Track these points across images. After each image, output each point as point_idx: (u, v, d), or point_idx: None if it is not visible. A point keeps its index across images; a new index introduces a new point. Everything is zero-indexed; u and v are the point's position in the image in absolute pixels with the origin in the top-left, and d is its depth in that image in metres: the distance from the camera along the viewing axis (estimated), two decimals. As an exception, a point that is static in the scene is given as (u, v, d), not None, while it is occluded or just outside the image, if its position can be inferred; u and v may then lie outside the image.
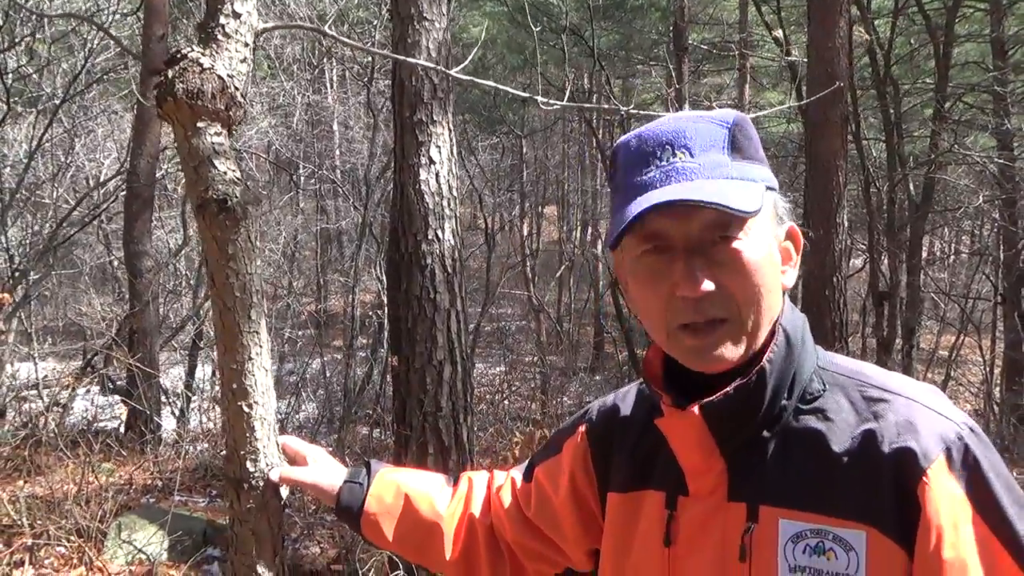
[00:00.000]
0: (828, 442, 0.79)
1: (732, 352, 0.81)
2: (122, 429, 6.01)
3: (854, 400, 0.81)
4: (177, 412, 7.99)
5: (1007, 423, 7.75)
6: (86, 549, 3.43)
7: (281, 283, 12.15)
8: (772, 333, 0.82)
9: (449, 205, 3.53)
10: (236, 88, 1.40)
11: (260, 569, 1.47)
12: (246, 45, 1.46)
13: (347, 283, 12.48)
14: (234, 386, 1.41)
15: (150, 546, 3.57)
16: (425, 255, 3.44)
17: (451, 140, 3.57)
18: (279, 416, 6.61)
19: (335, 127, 16.20)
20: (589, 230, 17.13)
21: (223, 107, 1.37)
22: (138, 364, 5.33)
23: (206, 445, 5.91)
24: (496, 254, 12.81)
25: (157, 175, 8.48)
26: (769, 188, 0.83)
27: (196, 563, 3.57)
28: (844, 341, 5.57)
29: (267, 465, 1.45)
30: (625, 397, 1.03)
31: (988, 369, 9.37)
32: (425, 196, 3.45)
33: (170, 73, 1.35)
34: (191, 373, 9.78)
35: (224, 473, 1.48)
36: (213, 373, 10.35)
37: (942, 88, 7.92)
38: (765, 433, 0.82)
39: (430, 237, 3.45)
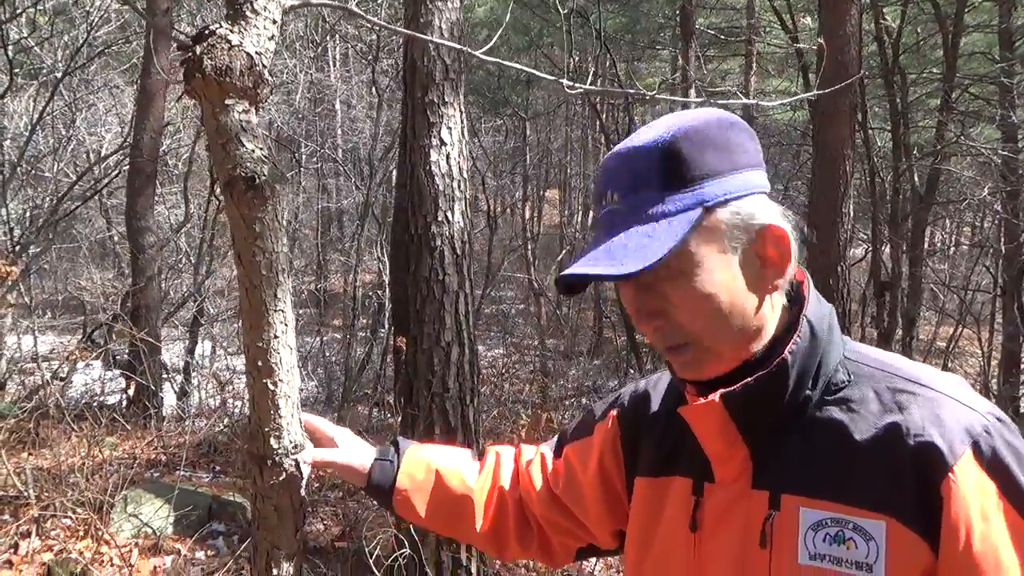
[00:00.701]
0: (851, 432, 0.79)
1: (712, 367, 0.85)
2: (124, 404, 6.03)
3: (880, 391, 0.81)
4: (177, 388, 8.01)
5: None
6: (93, 521, 3.45)
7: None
8: (795, 324, 0.84)
9: (459, 187, 3.52)
10: (264, 66, 1.39)
11: (282, 546, 1.49)
12: (274, 23, 1.45)
13: (347, 263, 12.47)
14: (259, 364, 1.42)
15: (156, 520, 3.60)
16: (435, 236, 3.44)
17: (462, 122, 3.55)
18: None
19: (337, 106, 16.11)
20: (590, 214, 17.09)
21: (251, 84, 1.36)
22: (143, 339, 5.34)
23: (207, 421, 5.93)
24: (497, 236, 12.79)
25: (160, 151, 8.43)
26: (718, 202, 0.81)
27: (201, 538, 3.60)
28: (848, 331, 5.58)
29: (290, 442, 1.46)
30: (656, 384, 1.05)
31: (985, 361, 9.41)
32: (435, 178, 3.44)
33: (198, 50, 1.34)
34: (191, 350, 9.79)
35: (247, 450, 1.49)
36: (213, 350, 10.37)
37: (949, 78, 7.88)
38: (789, 422, 0.83)
39: (440, 219, 3.45)
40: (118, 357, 7.69)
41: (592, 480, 1.05)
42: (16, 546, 3.31)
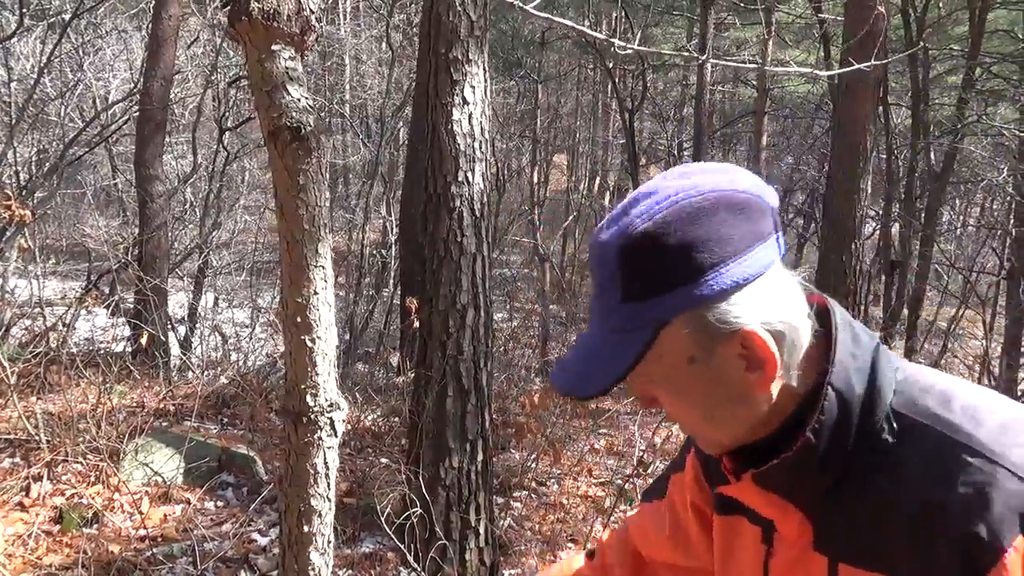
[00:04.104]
0: (896, 505, 0.74)
1: (717, 447, 0.84)
2: (131, 353, 6.01)
3: (927, 457, 0.74)
4: (180, 339, 8.00)
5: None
6: (104, 468, 3.46)
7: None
8: (817, 395, 0.77)
9: (480, 148, 3.46)
10: (311, 11, 1.34)
11: (314, 503, 1.47)
12: (323, -34, 1.38)
13: (352, 220, 12.40)
14: (298, 320, 1.39)
15: (166, 469, 3.61)
16: (454, 197, 3.39)
17: (485, 81, 3.48)
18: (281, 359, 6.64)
19: (347, 61, 15.84)
20: (598, 181, 16.95)
21: (298, 31, 1.31)
22: (150, 288, 5.31)
23: (211, 373, 5.93)
24: (504, 200, 12.67)
25: (169, 98, 8.30)
26: (681, 315, 0.75)
27: (211, 488, 3.61)
28: (859, 308, 5.56)
29: (326, 400, 1.44)
30: None
31: (987, 342, 9.41)
32: (457, 137, 3.38)
33: (245, -8, 1.29)
34: (196, 301, 9.78)
35: (282, 406, 1.47)
36: (216, 303, 10.35)
37: (974, 55, 7.73)
38: (840, 483, 0.78)
39: (460, 179, 3.40)
40: (123, 306, 7.66)
41: (692, 516, 1.02)
42: (28, 489, 3.32)
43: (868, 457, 0.75)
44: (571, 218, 14.41)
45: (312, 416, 1.44)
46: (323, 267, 1.40)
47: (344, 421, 1.52)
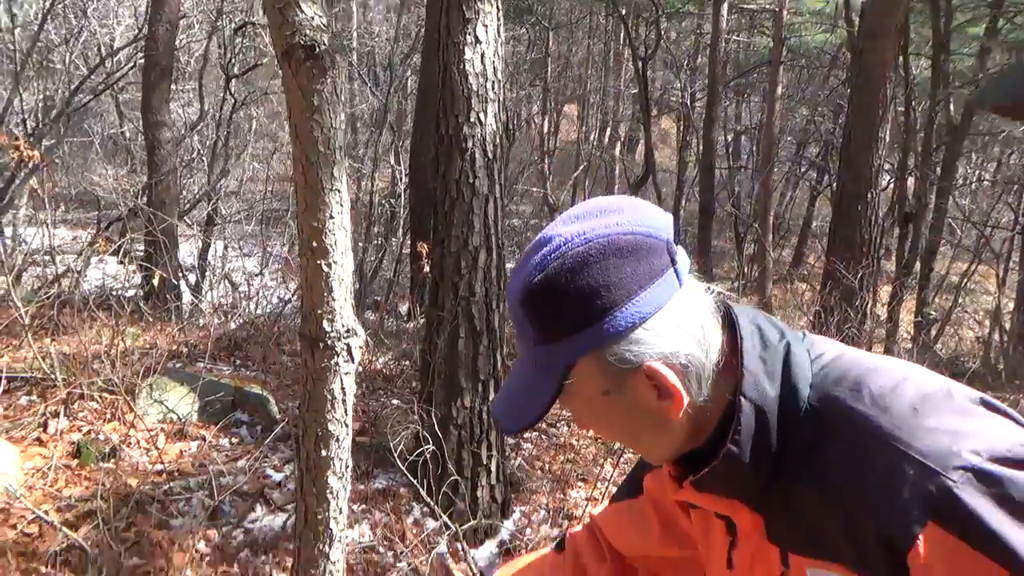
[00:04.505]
0: (825, 498, 0.76)
1: (656, 461, 0.92)
2: (141, 296, 6.05)
3: (843, 449, 0.76)
4: (191, 286, 8.04)
5: (1013, 351, 7.82)
6: (119, 405, 3.50)
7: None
8: (733, 408, 0.80)
9: (493, 88, 3.40)
10: (325, -76, 1.30)
11: (332, 428, 1.49)
12: None
13: (360, 170, 12.31)
14: (314, 244, 1.38)
15: (180, 407, 3.65)
16: (466, 138, 3.35)
17: (498, 19, 3.40)
18: (292, 303, 6.66)
19: (354, 8, 15.55)
20: (608, 131, 16.75)
21: (311, -57, 1.28)
22: (160, 230, 5.31)
23: (222, 320, 5.97)
24: (513, 150, 12.52)
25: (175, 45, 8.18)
26: (586, 354, 0.78)
27: (225, 426, 3.66)
28: (872, 259, 5.52)
29: (343, 326, 1.44)
30: None
31: (998, 297, 9.37)
32: (469, 77, 3.32)
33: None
34: (205, 249, 9.80)
35: (300, 332, 1.48)
36: (225, 251, 10.38)
37: (998, 4, 7.50)
38: (774, 482, 0.81)
39: (472, 120, 3.35)
40: (134, 254, 7.68)
41: (679, 511, 1.06)
42: (45, 425, 3.38)
43: (795, 454, 0.78)
44: (581, 168, 14.28)
45: (329, 342, 1.44)
46: (339, 191, 1.39)
47: (360, 348, 1.52)
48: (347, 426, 1.49)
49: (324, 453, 1.48)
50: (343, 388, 1.47)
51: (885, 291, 8.59)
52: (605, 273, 0.76)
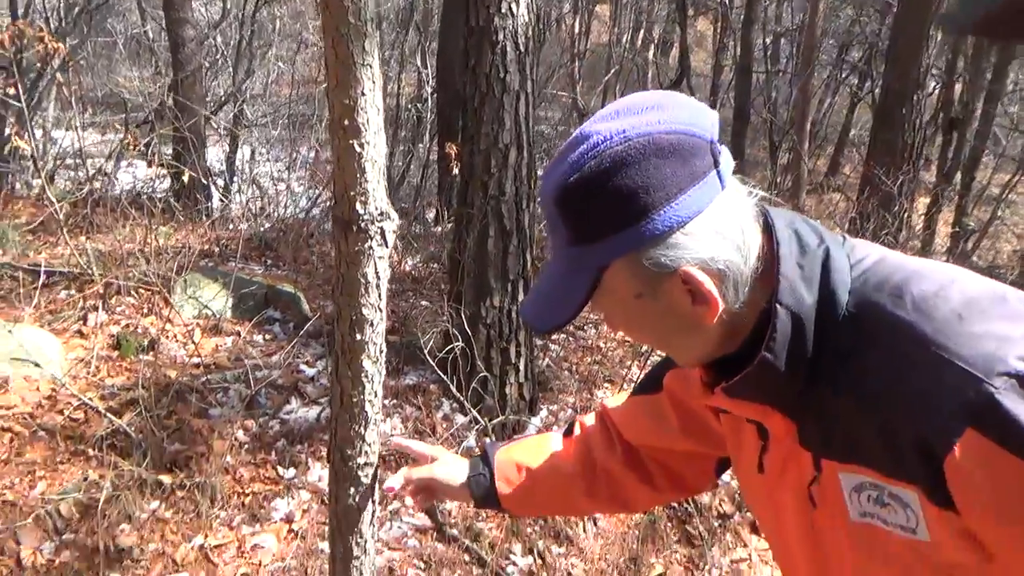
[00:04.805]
0: (861, 405, 0.74)
1: (684, 365, 0.90)
2: (173, 196, 6.07)
3: (883, 356, 0.73)
4: (220, 190, 8.05)
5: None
6: (155, 300, 3.57)
7: (320, 67, 11.74)
8: (768, 314, 0.78)
9: (525, -25, 3.24)
10: None
11: (366, 312, 1.48)
12: None
13: (386, 72, 12.03)
14: (346, 123, 1.34)
15: (214, 303, 3.71)
16: (497, 30, 3.22)
17: (531, -102, 3.21)
18: (320, 205, 6.65)
19: None
20: (641, 33, 16.11)
21: None
22: (187, 128, 5.27)
23: (251, 223, 5.99)
24: (542, 53, 12.11)
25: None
26: (620, 257, 0.77)
27: (258, 322, 3.72)
28: (913, 164, 5.34)
29: (376, 209, 1.41)
30: None
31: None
32: (500, -37, 3.16)
33: None
34: (232, 153, 9.77)
35: (332, 214, 1.45)
36: (252, 155, 10.34)
37: None
38: (809, 389, 0.79)
39: (503, 11, 3.21)
40: (162, 158, 7.68)
41: (708, 411, 1.05)
42: (85, 318, 3.46)
43: (831, 361, 0.76)
44: (612, 72, 13.82)
45: (362, 224, 1.41)
46: (371, 66, 1.33)
47: (394, 232, 1.50)
48: (381, 311, 1.48)
49: (358, 337, 1.48)
50: (377, 272, 1.45)
51: (922, 203, 8.36)
52: (644, 174, 0.73)
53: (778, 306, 0.76)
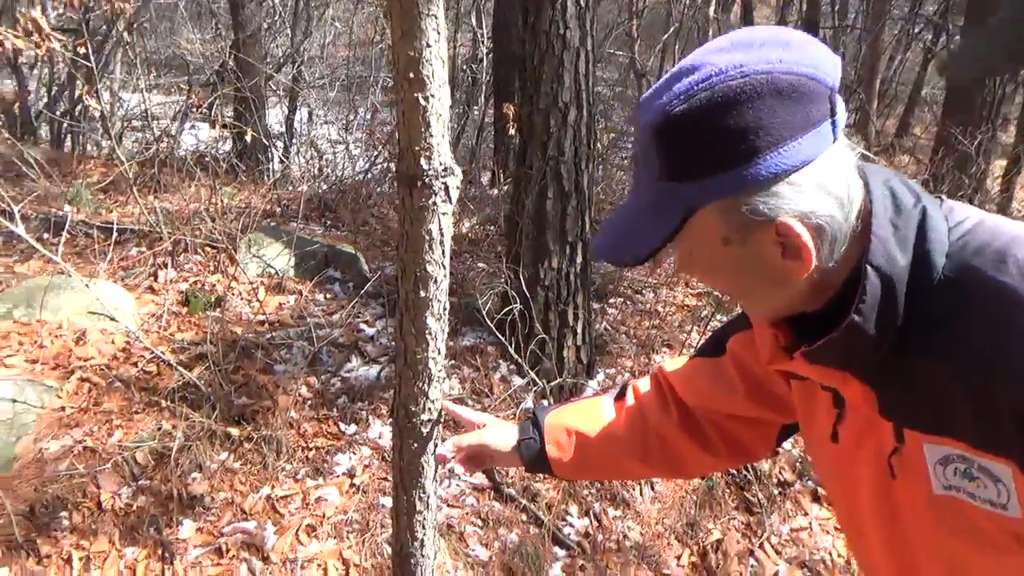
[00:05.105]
0: (955, 374, 0.70)
1: (757, 319, 0.86)
2: (235, 155, 6.18)
3: (981, 323, 0.68)
4: (280, 151, 8.16)
5: None
6: (221, 258, 3.65)
7: (376, 27, 11.73)
8: (858, 273, 0.73)
9: (588, -73, 3.14)
10: None
11: (430, 268, 1.48)
12: None
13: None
14: (411, 75, 1.31)
15: (277, 261, 3.78)
16: (558, -16, 3.14)
17: None
18: (378, 166, 6.68)
19: None
20: (703, -10, 15.57)
21: None
22: (248, 87, 5.34)
23: (311, 184, 6.06)
24: (597, 10, 11.80)
25: None
26: (714, 200, 0.72)
27: (319, 282, 3.78)
28: (991, 123, 5.07)
29: (440, 164, 1.39)
30: None
31: None
32: (562, -86, 3.07)
33: None
34: (291, 115, 9.87)
35: (396, 170, 1.44)
36: (309, 117, 10.43)
37: None
38: (895, 357, 0.74)
39: (564, -36, 3.12)
40: (224, 119, 7.81)
41: (775, 376, 1.01)
42: (155, 275, 3.57)
43: (923, 328, 0.71)
44: (671, 31, 13.43)
45: (426, 180, 1.40)
46: (435, 17, 1.30)
47: (458, 188, 1.48)
48: (444, 268, 1.48)
49: (422, 294, 1.48)
50: (441, 229, 1.44)
51: (999, 165, 7.95)
52: (757, 114, 0.68)
53: (868, 267, 0.72)
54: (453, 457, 1.27)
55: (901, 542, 0.83)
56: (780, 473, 3.06)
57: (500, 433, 1.25)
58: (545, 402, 3.11)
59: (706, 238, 0.76)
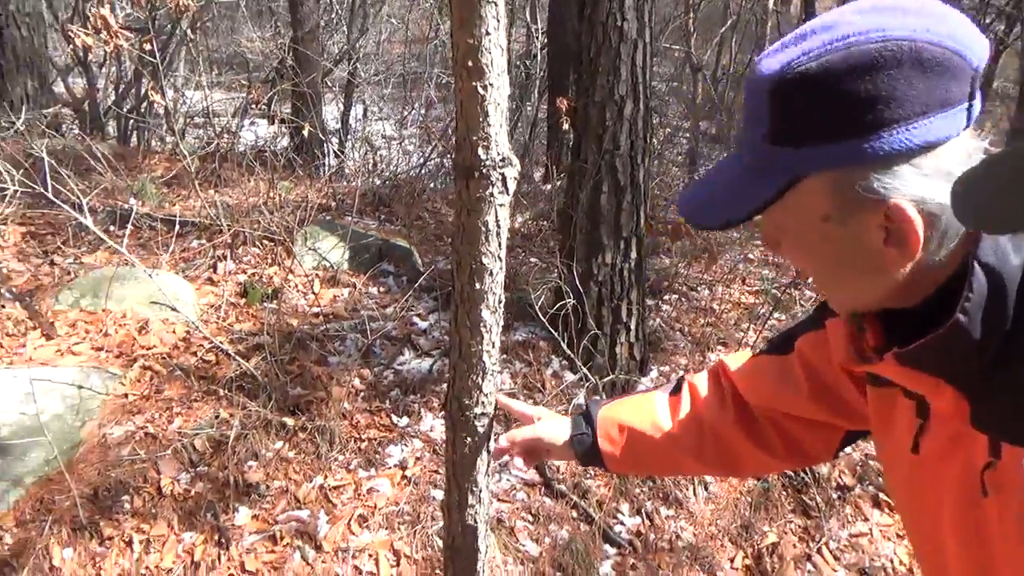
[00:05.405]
0: None
1: (842, 309, 0.79)
2: (293, 149, 6.29)
3: None
4: (336, 147, 8.28)
5: None
6: (278, 251, 3.71)
7: (431, 24, 11.80)
8: (964, 269, 0.66)
9: (646, -84, 3.08)
10: None
11: (485, 261, 1.46)
12: None
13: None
14: (469, 63, 1.30)
15: (332, 255, 3.82)
16: (615, -24, 3.09)
17: None
18: (432, 161, 6.72)
19: None
20: (762, -18, 15.23)
21: None
22: (306, 83, 5.42)
23: (366, 178, 6.12)
24: (655, 3, 11.63)
25: None
26: (822, 170, 0.66)
27: (373, 275, 3.81)
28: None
29: (498, 155, 1.37)
30: None
31: None
32: (620, -98, 3.02)
33: None
34: (347, 111, 10.00)
35: (454, 161, 1.43)
36: (365, 113, 10.56)
37: None
38: (996, 365, 0.67)
39: (621, -45, 3.07)
40: (282, 116, 7.96)
41: (840, 376, 0.95)
42: (215, 267, 3.65)
43: None
44: (728, 24, 13.17)
45: (484, 171, 1.38)
46: (495, 4, 1.27)
47: (515, 179, 1.46)
48: (500, 260, 1.46)
49: (478, 287, 1.46)
50: (497, 221, 1.42)
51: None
52: (892, 83, 0.62)
53: (976, 263, 0.66)
54: (510, 451, 1.26)
55: (984, 560, 0.77)
56: (840, 477, 2.96)
57: (554, 427, 1.23)
58: (598, 397, 3.07)
59: (805, 211, 0.70)
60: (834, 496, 2.87)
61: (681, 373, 3.48)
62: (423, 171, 6.58)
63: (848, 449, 3.08)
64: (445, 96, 10.43)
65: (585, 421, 1.22)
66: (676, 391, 1.19)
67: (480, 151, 1.35)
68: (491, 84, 1.30)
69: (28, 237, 3.74)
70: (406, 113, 9.52)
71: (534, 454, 1.26)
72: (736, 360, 1.16)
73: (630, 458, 1.18)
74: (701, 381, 1.18)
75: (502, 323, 1.55)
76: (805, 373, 1.01)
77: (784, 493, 2.89)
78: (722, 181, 0.75)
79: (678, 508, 2.78)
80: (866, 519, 2.81)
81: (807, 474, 2.92)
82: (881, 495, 2.89)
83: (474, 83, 1.30)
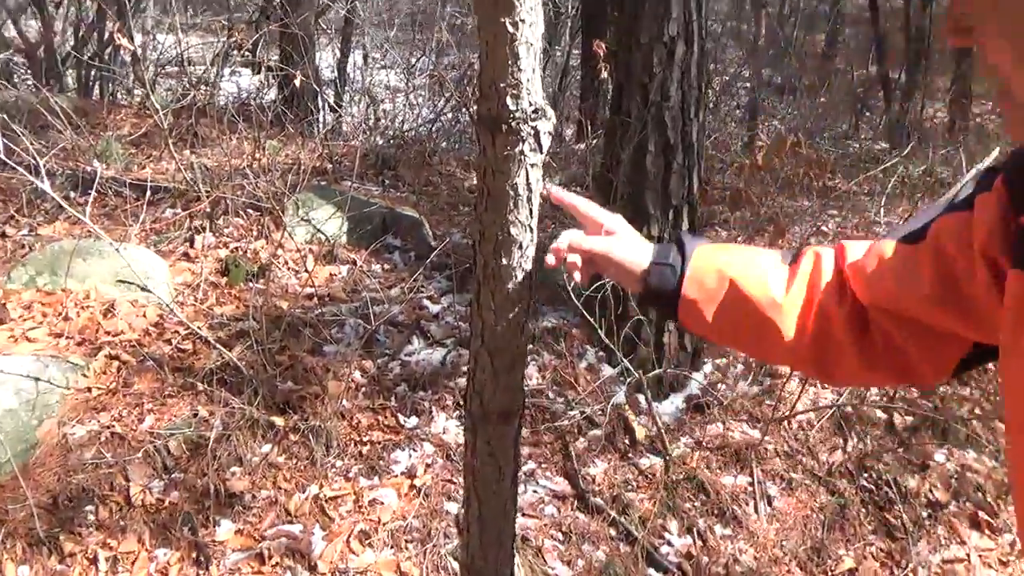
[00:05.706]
0: None
1: None
2: (282, 102, 6.29)
3: None
4: (332, 100, 8.27)
5: None
6: (264, 222, 3.72)
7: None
8: None
9: None
10: None
11: (514, 231, 1.44)
12: None
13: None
14: (496, -5, 1.28)
15: (328, 226, 3.83)
16: None
17: None
18: (445, 116, 6.69)
19: None
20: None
21: None
22: (298, 28, 5.41)
23: (367, 136, 6.12)
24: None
25: None
26: None
27: (376, 250, 3.81)
28: None
29: (530, 104, 1.35)
30: None
31: None
32: None
33: None
34: (343, 59, 9.98)
35: (478, 112, 1.40)
36: (365, 60, 10.55)
37: None
38: None
39: None
40: (268, 64, 7.95)
41: (976, 264, 0.89)
42: (192, 240, 3.67)
43: None
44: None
45: (513, 124, 1.35)
46: (528, -79, 1.25)
47: (549, 134, 1.43)
48: (532, 231, 1.43)
49: (504, 261, 1.44)
50: (528, 184, 1.39)
51: None
52: None
53: None
54: (567, 256, 1.23)
55: None
56: (930, 492, 2.92)
57: (631, 246, 1.17)
58: (648, 395, 3.06)
59: None
60: (923, 515, 2.84)
61: (742, 368, 3.44)
62: (434, 128, 6.56)
63: (940, 458, 3.04)
64: (459, 40, 10.35)
65: (677, 250, 1.14)
66: (795, 260, 1.11)
67: (509, 100, 1.32)
68: (522, 20, 1.27)
69: (-24, 205, 3.79)
70: (414, 60, 9.47)
71: (593, 268, 1.21)
72: (857, 249, 1.07)
73: (713, 316, 1.11)
74: (827, 258, 1.09)
75: (532, 306, 1.53)
76: (934, 266, 0.95)
77: (864, 510, 2.86)
78: None
79: (736, 526, 2.76)
80: (963, 542, 2.78)
81: (892, 489, 2.88)
82: (981, 513, 2.85)
83: (503, 19, 1.27)
